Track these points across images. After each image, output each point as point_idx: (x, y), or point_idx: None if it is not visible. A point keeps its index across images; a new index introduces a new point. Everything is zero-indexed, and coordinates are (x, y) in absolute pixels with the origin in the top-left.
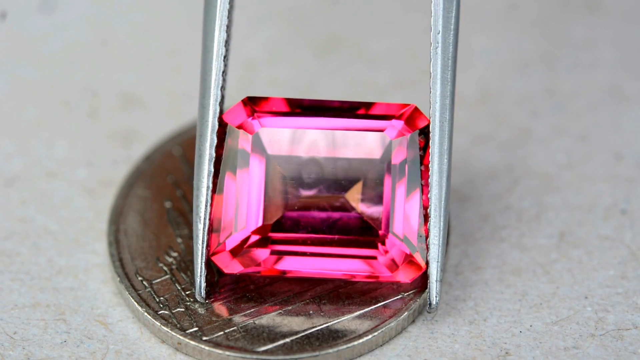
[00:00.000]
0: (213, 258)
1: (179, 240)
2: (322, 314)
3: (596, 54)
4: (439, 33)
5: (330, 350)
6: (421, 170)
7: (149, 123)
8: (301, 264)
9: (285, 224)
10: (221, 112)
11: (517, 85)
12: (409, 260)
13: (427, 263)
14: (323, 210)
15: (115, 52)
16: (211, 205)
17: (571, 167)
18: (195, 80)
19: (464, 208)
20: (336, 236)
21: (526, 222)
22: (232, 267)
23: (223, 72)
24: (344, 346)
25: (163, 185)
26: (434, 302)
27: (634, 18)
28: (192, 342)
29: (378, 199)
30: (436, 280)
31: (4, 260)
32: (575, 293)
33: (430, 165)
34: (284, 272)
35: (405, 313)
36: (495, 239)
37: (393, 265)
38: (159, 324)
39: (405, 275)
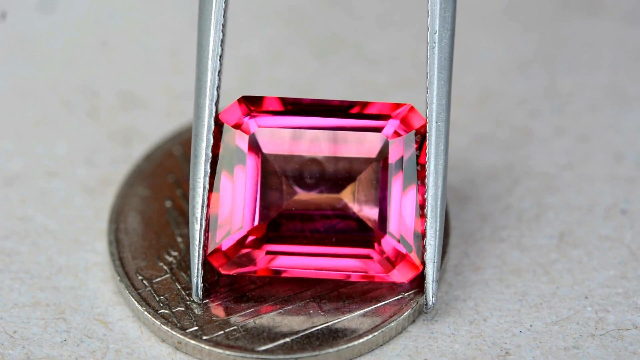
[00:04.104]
0: (209, 258)
1: (179, 239)
2: (322, 313)
3: (596, 54)
4: (435, 33)
5: (331, 350)
6: (417, 169)
7: (149, 122)
8: (297, 264)
9: (281, 224)
10: (217, 111)
11: (517, 85)
12: (405, 260)
13: (423, 263)
14: (319, 209)
15: (115, 52)
16: (208, 205)
17: (571, 167)
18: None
19: (464, 208)
20: (332, 236)
21: (526, 222)
22: (228, 267)
23: (219, 71)
24: (344, 346)
25: (163, 185)
26: (430, 303)
27: (634, 18)
28: (192, 342)
29: (374, 199)
30: (432, 281)
31: (3, 259)
32: (575, 293)
33: (426, 164)
34: (280, 272)
35: (406, 313)
36: (495, 239)
37: (389, 265)
38: (159, 323)
39: (401, 275)
